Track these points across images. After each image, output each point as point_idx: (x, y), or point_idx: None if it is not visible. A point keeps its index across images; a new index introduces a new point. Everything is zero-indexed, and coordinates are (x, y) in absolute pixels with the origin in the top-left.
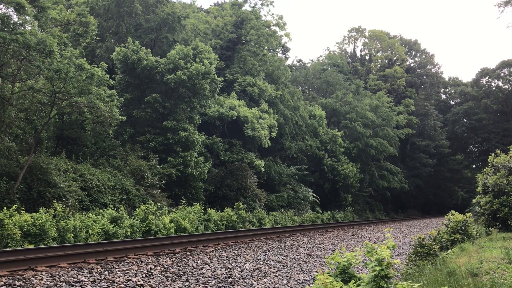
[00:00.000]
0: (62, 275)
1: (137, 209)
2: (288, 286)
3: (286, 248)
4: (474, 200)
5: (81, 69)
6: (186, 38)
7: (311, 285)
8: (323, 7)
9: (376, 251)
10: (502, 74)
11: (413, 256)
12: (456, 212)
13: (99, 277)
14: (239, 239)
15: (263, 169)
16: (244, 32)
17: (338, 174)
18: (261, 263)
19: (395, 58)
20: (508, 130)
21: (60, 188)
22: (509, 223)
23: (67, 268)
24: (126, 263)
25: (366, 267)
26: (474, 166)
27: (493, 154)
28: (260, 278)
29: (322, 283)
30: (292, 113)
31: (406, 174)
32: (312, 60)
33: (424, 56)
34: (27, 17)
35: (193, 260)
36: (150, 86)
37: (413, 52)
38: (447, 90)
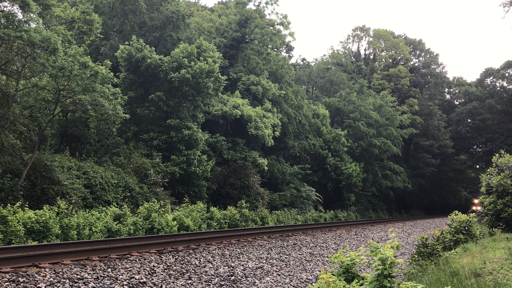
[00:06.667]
0: (66, 272)
1: (140, 207)
2: (291, 285)
3: (289, 247)
4: (476, 201)
5: (85, 67)
6: (190, 37)
7: (313, 284)
8: (328, 6)
9: (380, 251)
10: (507, 74)
11: (416, 256)
12: (460, 212)
13: (102, 274)
14: (242, 237)
15: (266, 168)
16: (248, 31)
17: (341, 174)
18: (264, 261)
19: (399, 57)
20: None
21: (63, 185)
22: None
23: (71, 265)
24: (129, 261)
25: (369, 267)
26: (478, 166)
27: (497, 155)
28: (262, 277)
29: (325, 282)
30: (295, 112)
31: (409, 174)
32: (316, 59)
33: (428, 56)
34: (31, 14)
35: (196, 258)
36: (154, 84)
37: (418, 52)
38: (451, 90)
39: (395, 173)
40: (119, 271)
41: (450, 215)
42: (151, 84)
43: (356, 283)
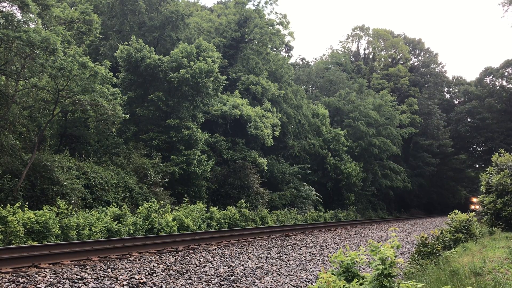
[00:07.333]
0: (66, 272)
1: (140, 207)
2: (291, 284)
3: (289, 246)
4: (475, 200)
5: (85, 67)
6: (189, 37)
7: (313, 283)
8: (327, 6)
9: (380, 250)
10: (506, 74)
11: (416, 256)
12: (459, 212)
13: (102, 275)
14: (241, 237)
15: (266, 168)
16: (248, 31)
17: (341, 173)
18: (264, 261)
19: (398, 57)
20: None
21: (63, 185)
22: None
23: (70, 265)
24: (129, 261)
25: (369, 266)
26: (477, 165)
27: (496, 154)
28: (262, 277)
29: (325, 282)
30: (295, 112)
31: (409, 173)
32: (315, 59)
33: (428, 55)
34: (31, 15)
35: (196, 258)
36: (154, 85)
37: (417, 51)
38: (451, 89)
39: (394, 172)
40: (119, 271)
41: (450, 215)
42: (151, 84)
43: (356, 282)
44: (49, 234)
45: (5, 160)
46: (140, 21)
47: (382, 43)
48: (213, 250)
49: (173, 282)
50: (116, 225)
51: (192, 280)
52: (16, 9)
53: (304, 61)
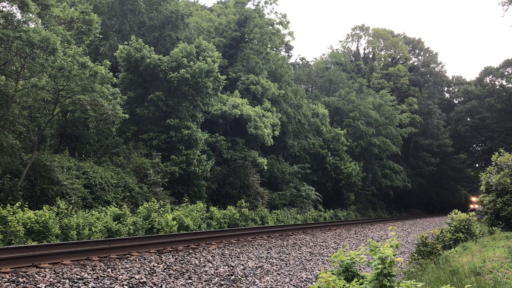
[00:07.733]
0: (66, 272)
1: (140, 207)
2: (291, 284)
3: (289, 246)
4: (474, 199)
5: (85, 67)
6: (189, 36)
7: (313, 283)
8: (327, 5)
9: (380, 250)
10: (506, 73)
11: (416, 255)
12: (459, 211)
13: (102, 274)
14: (241, 237)
15: (266, 168)
16: (248, 30)
17: (341, 173)
18: (264, 261)
19: (398, 56)
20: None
21: (63, 185)
22: None
23: (70, 265)
24: (129, 261)
25: (369, 266)
26: (477, 165)
27: (496, 153)
28: (262, 276)
29: (325, 281)
30: (295, 112)
31: (409, 173)
32: (315, 59)
33: (427, 55)
34: (31, 14)
35: (196, 258)
36: (153, 84)
37: (417, 51)
38: (451, 88)
39: (394, 172)
40: (119, 271)
41: (449, 214)
42: (151, 84)
43: (356, 282)
44: (49, 234)
45: (5, 160)
46: (140, 21)
47: (382, 42)
48: (213, 249)
49: (173, 281)
50: (116, 225)
51: (192, 279)
52: (16, 9)
53: (304, 60)
